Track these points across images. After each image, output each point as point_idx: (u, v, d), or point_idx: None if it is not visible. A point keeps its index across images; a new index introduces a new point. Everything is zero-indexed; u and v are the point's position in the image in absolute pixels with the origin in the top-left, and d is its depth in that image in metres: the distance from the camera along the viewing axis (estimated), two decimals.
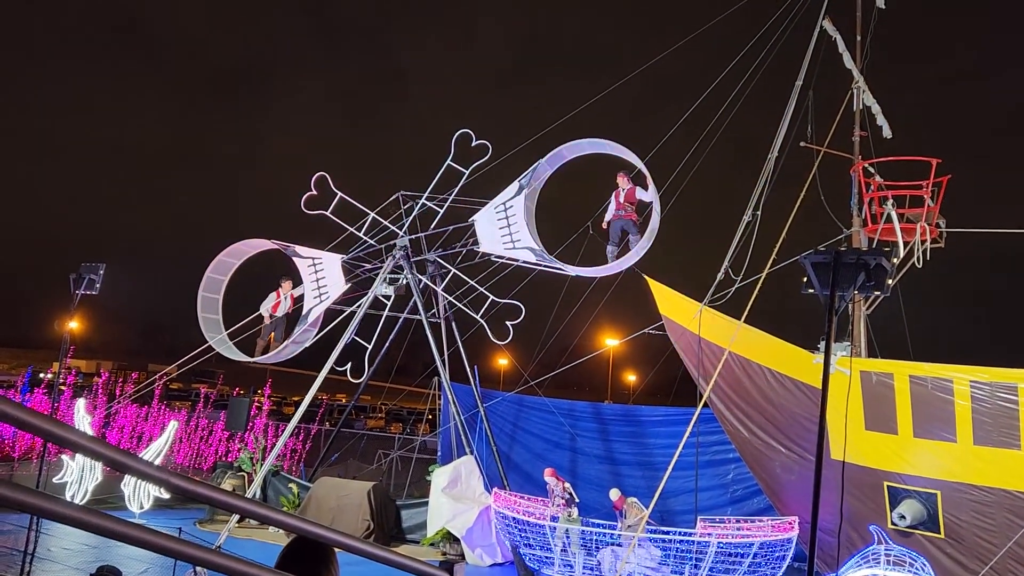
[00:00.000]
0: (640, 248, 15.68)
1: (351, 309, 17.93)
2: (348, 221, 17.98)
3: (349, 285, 18.00)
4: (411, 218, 17.71)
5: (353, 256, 18.08)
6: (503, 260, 16.86)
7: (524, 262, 16.59)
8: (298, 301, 18.49)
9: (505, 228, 16.63)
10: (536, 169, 16.46)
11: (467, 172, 17.05)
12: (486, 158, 16.89)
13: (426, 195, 17.49)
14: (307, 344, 18.24)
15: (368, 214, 17.84)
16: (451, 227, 17.49)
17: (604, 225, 16.32)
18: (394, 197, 17.88)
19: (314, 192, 17.83)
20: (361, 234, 17.80)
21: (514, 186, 16.64)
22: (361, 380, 17.29)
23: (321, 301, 18.00)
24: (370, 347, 17.05)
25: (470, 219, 17.12)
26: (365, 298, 17.49)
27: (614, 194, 16.31)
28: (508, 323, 16.40)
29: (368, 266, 18.06)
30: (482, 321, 16.90)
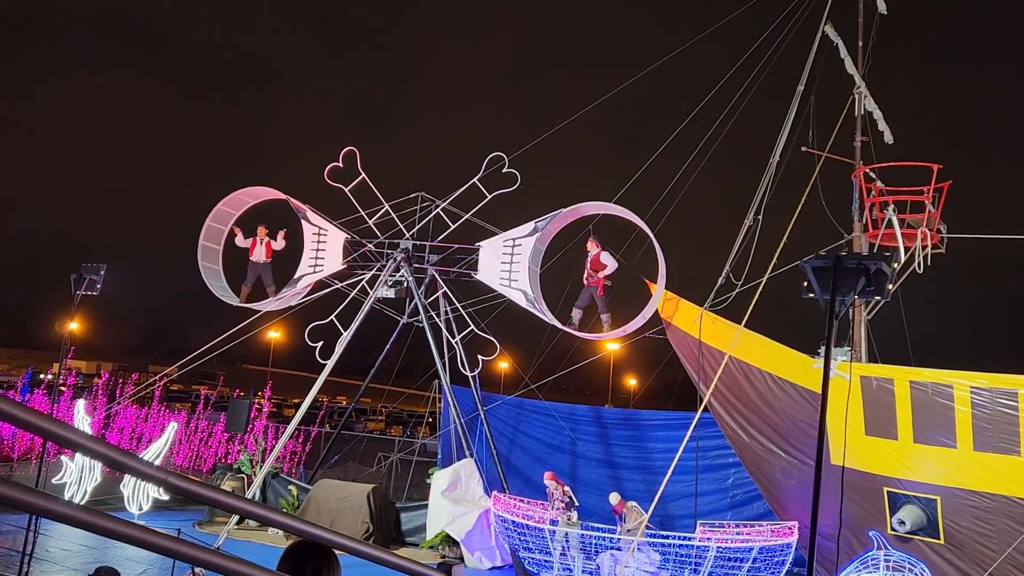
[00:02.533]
0: (638, 320, 15.80)
1: (338, 285, 18.00)
2: (358, 208, 18.01)
3: (344, 266, 18.00)
4: (423, 223, 17.71)
5: (357, 248, 18.04)
6: (494, 292, 17.03)
7: (514, 300, 16.71)
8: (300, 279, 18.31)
9: (507, 264, 16.73)
10: (556, 216, 16.50)
11: (489, 196, 17.10)
12: (512, 188, 16.93)
13: (443, 204, 17.50)
14: (292, 304, 18.27)
15: (383, 204, 17.85)
16: (456, 245, 17.55)
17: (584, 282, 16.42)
18: (413, 195, 17.88)
19: (339, 164, 17.87)
20: (371, 222, 17.81)
21: (529, 226, 16.71)
22: (328, 362, 17.41)
23: (315, 271, 18.02)
24: (346, 334, 17.18)
25: (476, 244, 17.21)
26: (365, 302, 17.49)
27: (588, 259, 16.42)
28: (480, 357, 17.02)
29: (369, 249, 18.02)
30: (458, 343, 17.25)
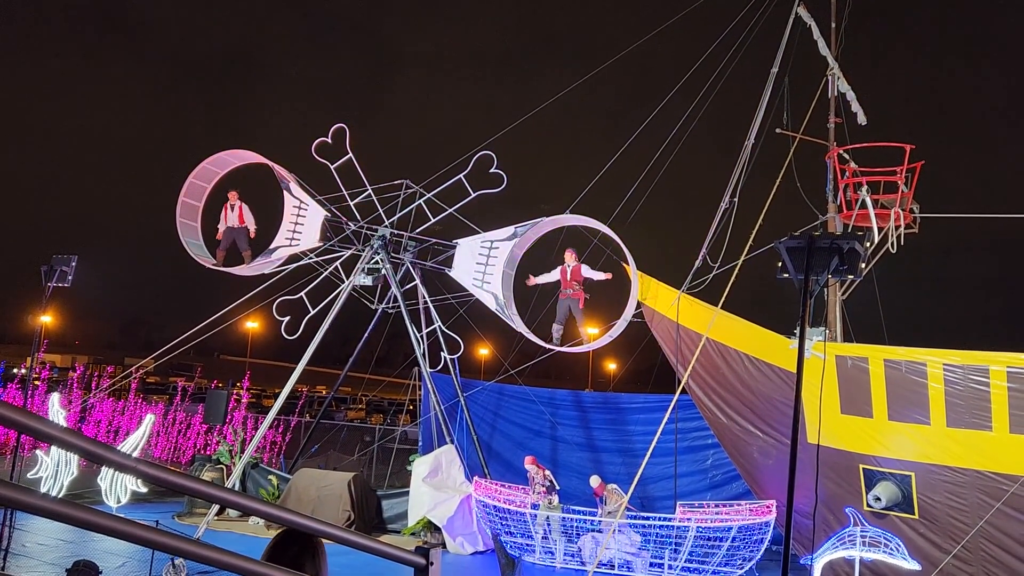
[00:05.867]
0: (613, 332, 15.75)
1: (313, 260, 17.89)
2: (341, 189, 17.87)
3: (321, 244, 17.86)
4: (405, 211, 17.58)
5: (336, 227, 17.90)
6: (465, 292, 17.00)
7: (483, 302, 16.69)
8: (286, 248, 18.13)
9: (482, 265, 16.63)
10: (537, 224, 16.43)
11: (473, 194, 16.97)
12: (498, 190, 16.81)
13: (428, 196, 17.37)
14: (264, 272, 18.13)
15: (366, 188, 17.70)
16: (433, 240, 17.47)
17: (530, 282, 16.33)
18: (398, 182, 17.73)
19: (328, 140, 17.69)
20: (352, 204, 17.68)
21: (508, 230, 16.60)
22: (294, 336, 17.35)
23: (291, 245, 17.89)
24: (324, 322, 17.14)
25: (454, 241, 17.15)
26: (342, 288, 17.40)
27: (559, 269, 16.21)
28: (445, 355, 17.01)
29: (348, 231, 17.89)
30: (423, 340, 17.26)
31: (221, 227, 17.99)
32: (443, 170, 17.31)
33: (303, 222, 17.86)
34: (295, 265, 18.05)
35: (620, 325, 15.58)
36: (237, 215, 18.01)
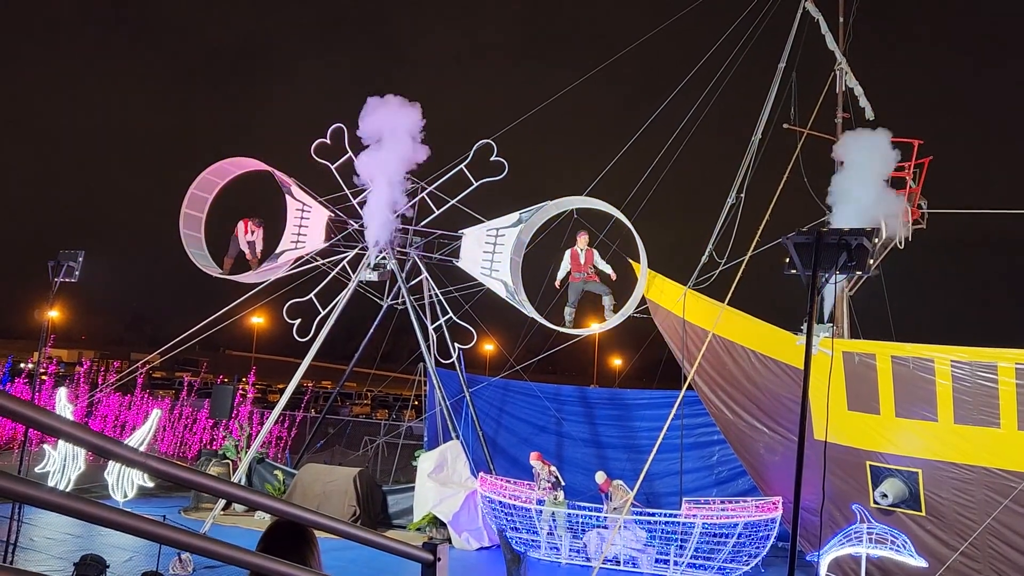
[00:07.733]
0: (619, 316, 15.59)
1: (319, 262, 17.88)
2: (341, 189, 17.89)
3: (326, 244, 17.88)
4: (407, 205, 17.55)
5: (340, 226, 17.90)
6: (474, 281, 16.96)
7: (493, 290, 16.66)
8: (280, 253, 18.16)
9: (489, 254, 16.59)
10: (541, 208, 16.38)
11: (476, 183, 16.93)
12: (499, 177, 16.74)
13: (430, 189, 17.34)
14: (268, 279, 18.14)
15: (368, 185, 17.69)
16: (439, 232, 17.45)
17: (558, 284, 16.13)
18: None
19: (327, 141, 17.69)
20: (355, 202, 17.67)
21: (513, 216, 16.55)
22: (306, 339, 17.38)
23: (296, 248, 17.91)
24: (330, 318, 17.12)
25: (460, 231, 17.12)
26: (349, 286, 17.41)
27: (569, 253, 16.08)
28: (457, 345, 17.03)
29: (353, 229, 17.88)
30: (431, 331, 17.24)
31: (239, 243, 18.05)
32: (447, 165, 17.31)
33: (307, 224, 17.89)
34: (302, 268, 18.10)
35: (631, 305, 15.51)
36: (257, 238, 18.14)
